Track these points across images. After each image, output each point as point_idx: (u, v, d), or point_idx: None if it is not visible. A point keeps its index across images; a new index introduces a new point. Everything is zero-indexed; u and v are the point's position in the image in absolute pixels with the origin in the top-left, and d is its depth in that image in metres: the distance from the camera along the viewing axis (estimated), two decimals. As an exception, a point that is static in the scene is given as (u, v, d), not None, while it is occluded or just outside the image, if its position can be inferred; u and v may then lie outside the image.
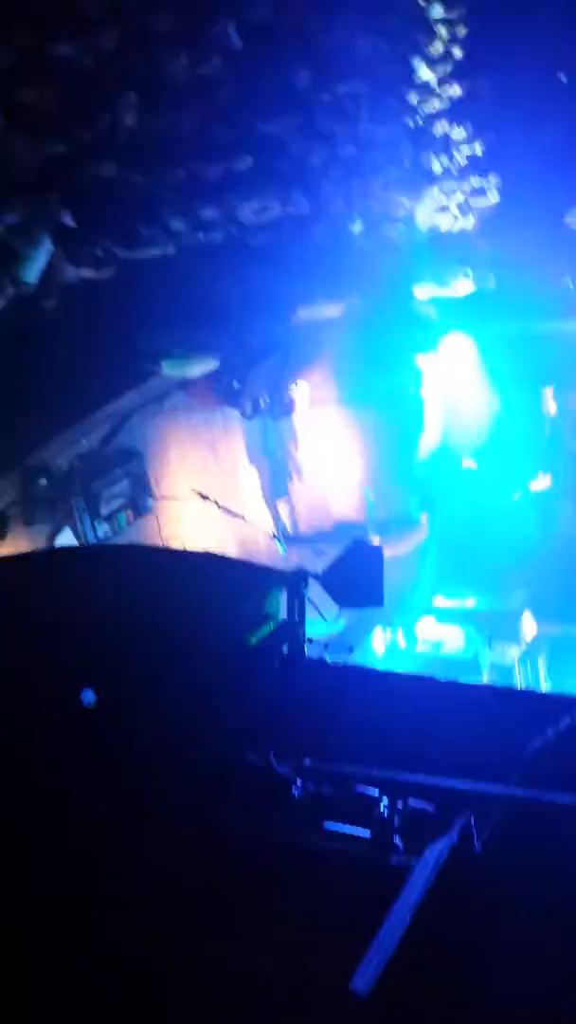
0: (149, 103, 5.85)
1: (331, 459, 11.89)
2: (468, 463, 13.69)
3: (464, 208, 10.54)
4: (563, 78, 9.14)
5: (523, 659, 12.53)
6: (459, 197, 10.23)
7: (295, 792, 3.00)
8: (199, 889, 2.72)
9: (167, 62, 5.71)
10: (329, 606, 4.53)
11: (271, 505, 10.64)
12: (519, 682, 12.14)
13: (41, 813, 2.99)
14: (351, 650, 4.46)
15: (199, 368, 8.24)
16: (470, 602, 13.26)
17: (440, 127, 9.15)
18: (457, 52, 8.25)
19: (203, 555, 4.59)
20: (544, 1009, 2.34)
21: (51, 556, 5.90)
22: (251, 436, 10.34)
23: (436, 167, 9.50)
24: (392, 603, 4.78)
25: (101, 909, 2.69)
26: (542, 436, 13.49)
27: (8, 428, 6.62)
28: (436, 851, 2.62)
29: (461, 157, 9.55)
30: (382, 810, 2.86)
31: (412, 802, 2.90)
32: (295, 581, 4.29)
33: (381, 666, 10.63)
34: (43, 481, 7.28)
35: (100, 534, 7.76)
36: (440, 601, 13.42)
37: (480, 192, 10.24)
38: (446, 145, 9.33)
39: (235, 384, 9.48)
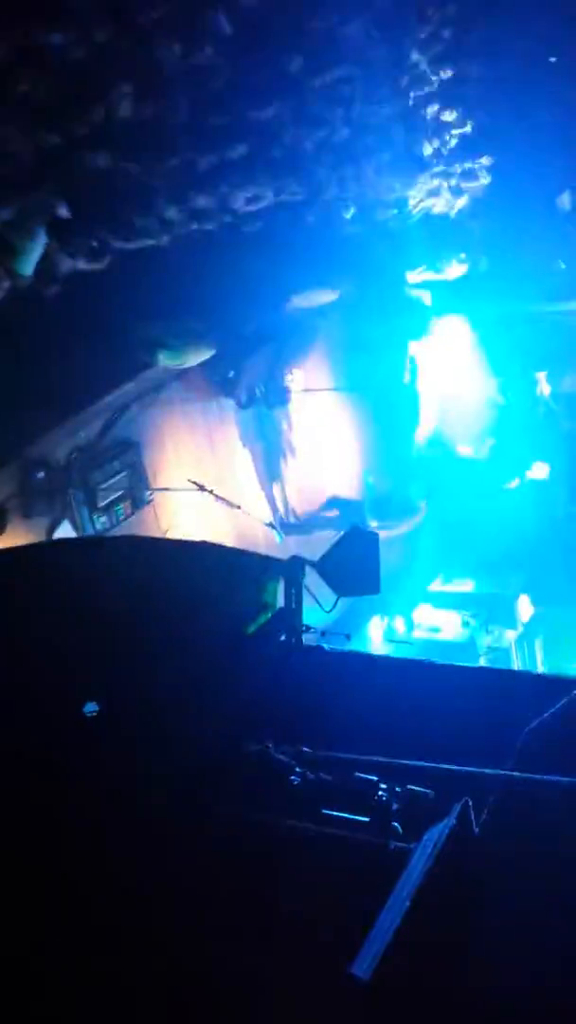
0: (143, 92, 5.82)
1: (327, 445, 11.90)
2: (464, 449, 13.70)
3: (456, 191, 10.51)
4: (553, 60, 9.09)
5: (520, 642, 12.59)
6: (451, 180, 10.20)
7: (293, 779, 3.03)
8: (198, 877, 2.74)
9: (160, 51, 5.67)
10: (326, 594, 4.55)
11: (267, 491, 10.65)
12: (516, 665, 12.19)
13: (40, 804, 3.02)
14: (348, 637, 4.47)
15: (195, 358, 8.23)
16: (467, 586, 13.31)
17: (431, 110, 9.10)
18: (447, 34, 8.20)
19: (200, 545, 4.61)
20: (544, 991, 2.37)
21: (49, 548, 5.91)
22: (246, 424, 10.34)
23: (428, 150, 9.46)
24: (389, 587, 4.80)
25: (100, 900, 2.72)
26: (537, 419, 13.49)
27: (5, 421, 6.62)
28: (435, 835, 2.65)
29: (452, 140, 9.51)
30: (380, 795, 2.89)
31: (410, 787, 2.93)
32: (292, 569, 4.31)
33: (378, 652, 10.67)
34: (41, 474, 7.30)
35: (98, 526, 7.78)
36: (437, 586, 13.47)
37: (472, 175, 10.21)
38: (437, 128, 9.29)
39: (230, 373, 9.48)
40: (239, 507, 8.27)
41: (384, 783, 2.94)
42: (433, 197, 10.39)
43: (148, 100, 5.92)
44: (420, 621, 12.51)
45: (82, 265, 6.55)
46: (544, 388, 13.42)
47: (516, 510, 13.39)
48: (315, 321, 10.84)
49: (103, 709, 3.39)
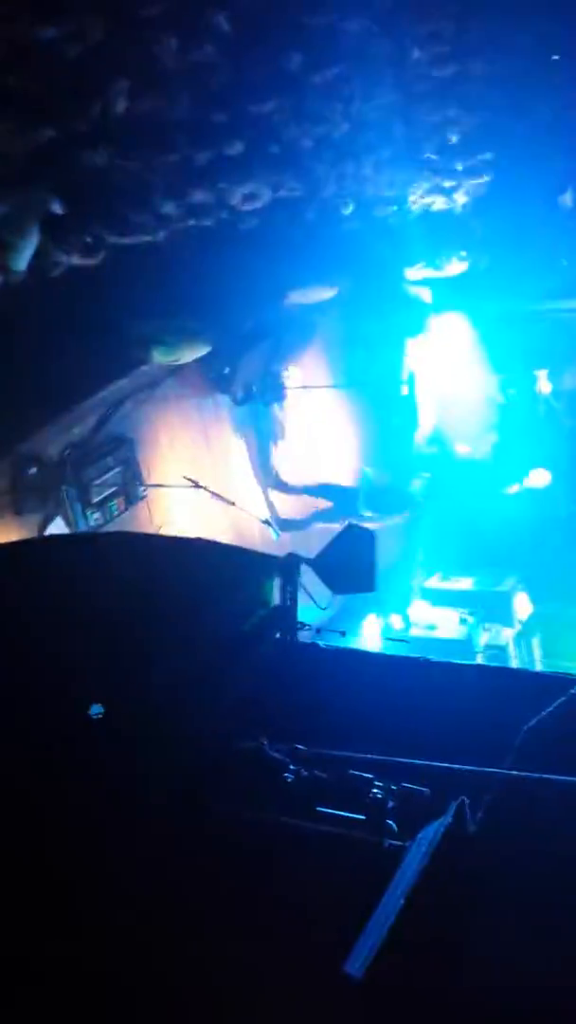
0: (140, 88, 5.79)
1: (324, 441, 11.89)
2: (463, 447, 13.69)
3: (456, 189, 10.48)
4: (556, 58, 9.05)
5: (517, 640, 12.59)
6: (451, 178, 10.17)
7: (288, 776, 3.01)
8: (193, 875, 2.73)
9: (158, 47, 5.64)
10: (322, 591, 4.54)
11: (263, 488, 10.63)
12: (514, 663, 12.19)
13: (35, 803, 3.00)
14: (343, 634, 4.46)
15: (190, 354, 8.21)
16: (465, 583, 13.31)
17: (432, 107, 9.07)
18: (448, 31, 8.17)
19: (195, 541, 4.59)
20: (539, 990, 2.35)
21: (42, 545, 5.88)
22: (242, 420, 10.33)
23: (428, 148, 9.44)
24: (385, 584, 4.78)
25: (97, 899, 2.70)
26: (537, 417, 13.49)
27: (-2, 417, 6.60)
28: (430, 833, 2.63)
29: (453, 137, 9.48)
30: (376, 793, 2.88)
31: (406, 785, 2.92)
32: (288, 567, 4.30)
33: (374, 650, 10.66)
34: (33, 470, 7.27)
35: (91, 522, 7.75)
36: (435, 583, 13.47)
37: (472, 172, 10.18)
38: (438, 126, 9.26)
39: (226, 370, 9.46)
40: (234, 503, 8.25)
41: (379, 781, 2.92)
42: (433, 194, 10.36)
43: (145, 96, 5.89)
44: (417, 619, 12.51)
45: (76, 261, 6.52)
46: (544, 386, 13.42)
47: (515, 508, 13.39)
48: (313, 317, 10.83)
49: (97, 707, 3.37)
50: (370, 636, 11.37)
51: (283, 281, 9.31)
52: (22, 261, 5.93)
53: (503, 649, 12.26)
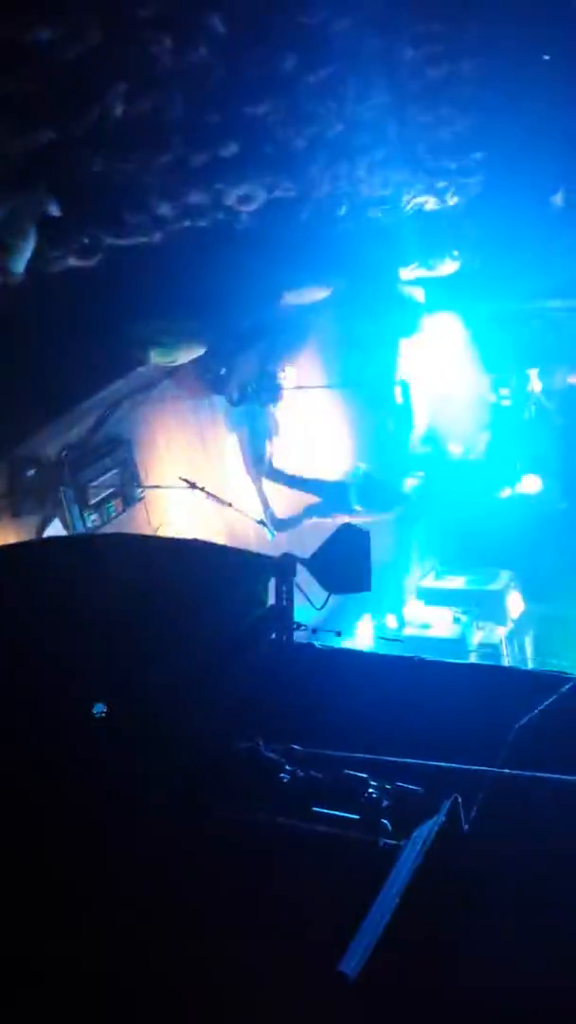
0: (136, 90, 5.80)
1: (319, 439, 11.91)
2: (457, 447, 13.73)
3: (449, 189, 10.49)
4: (547, 58, 9.07)
5: (510, 638, 12.63)
6: (444, 177, 10.19)
7: (283, 777, 3.04)
8: (190, 875, 2.75)
9: (154, 48, 5.65)
10: (317, 591, 4.56)
11: (258, 488, 10.65)
12: (506, 661, 12.23)
13: (37, 803, 3.02)
14: (339, 634, 4.48)
15: (186, 355, 8.22)
16: (458, 583, 13.34)
17: (425, 107, 9.09)
18: (441, 31, 8.18)
19: (192, 542, 4.61)
20: (533, 988, 2.38)
21: (39, 547, 5.90)
22: (238, 421, 10.35)
23: (421, 147, 9.45)
24: (380, 584, 4.81)
25: (96, 897, 2.72)
26: (529, 416, 13.53)
27: (-4, 418, 6.61)
28: (424, 832, 2.66)
29: (446, 138, 9.49)
30: (370, 793, 2.90)
31: (400, 784, 2.95)
32: (283, 567, 4.32)
33: (369, 650, 10.69)
34: (31, 471, 7.28)
35: (89, 524, 7.77)
36: (429, 582, 13.50)
37: (465, 172, 10.19)
38: (431, 126, 9.27)
39: (222, 371, 9.47)
40: (230, 504, 8.27)
41: (374, 780, 2.95)
42: (426, 194, 10.38)
43: (142, 98, 5.90)
44: (411, 618, 12.54)
45: (73, 262, 6.53)
46: (536, 385, 13.46)
47: (508, 507, 13.43)
48: (307, 318, 10.85)
49: (93, 707, 3.39)
50: (365, 636, 11.41)
51: (278, 282, 9.33)
52: (20, 263, 5.94)
53: (496, 648, 12.30)
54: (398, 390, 12.94)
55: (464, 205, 10.86)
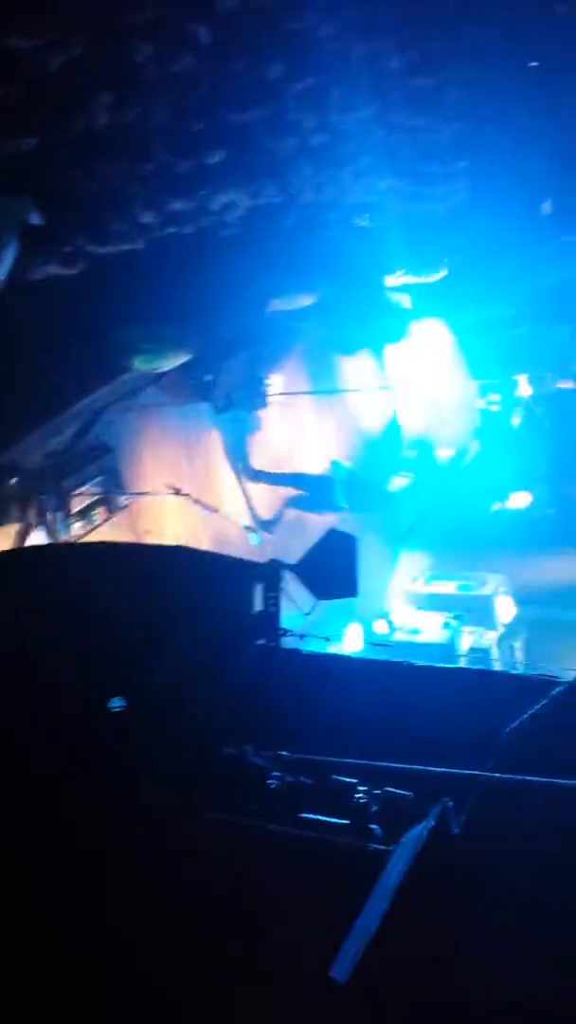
0: (120, 99, 5.79)
1: (305, 443, 11.92)
2: (446, 452, 13.76)
3: (436, 196, 10.51)
4: (534, 64, 9.10)
5: (500, 643, 12.62)
6: (430, 184, 10.21)
7: (272, 782, 3.02)
8: (179, 880, 2.73)
9: (138, 57, 5.64)
10: (304, 597, 4.54)
11: (243, 492, 10.63)
12: (496, 665, 12.22)
13: (30, 807, 2.99)
14: (327, 640, 4.46)
15: (171, 362, 8.20)
16: (448, 587, 13.33)
17: (409, 115, 9.11)
18: (428, 40, 8.21)
19: (178, 549, 4.60)
20: (524, 988, 2.37)
21: (25, 555, 5.87)
22: (223, 427, 10.35)
23: (406, 155, 9.47)
24: (368, 589, 4.79)
25: (88, 905, 2.70)
26: (518, 420, 13.59)
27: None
28: (414, 836, 2.64)
29: (431, 145, 9.52)
30: (359, 798, 2.88)
31: (389, 789, 2.93)
32: (269, 573, 4.30)
33: (358, 654, 10.68)
34: (13, 480, 7.24)
35: (73, 531, 7.74)
36: (419, 587, 13.49)
37: (452, 179, 10.21)
38: (416, 133, 9.30)
39: (207, 377, 9.46)
40: (216, 510, 8.26)
41: (363, 785, 2.93)
42: (412, 202, 10.40)
43: (126, 106, 5.89)
44: (401, 623, 12.52)
45: (56, 270, 6.50)
46: (525, 390, 13.51)
47: (497, 514, 13.46)
48: (294, 324, 10.84)
49: (84, 713, 3.37)
50: (353, 641, 11.37)
51: (264, 288, 9.32)
52: (2, 271, 5.91)
53: (486, 652, 12.29)
54: (385, 395, 12.95)
55: (451, 212, 10.88)
